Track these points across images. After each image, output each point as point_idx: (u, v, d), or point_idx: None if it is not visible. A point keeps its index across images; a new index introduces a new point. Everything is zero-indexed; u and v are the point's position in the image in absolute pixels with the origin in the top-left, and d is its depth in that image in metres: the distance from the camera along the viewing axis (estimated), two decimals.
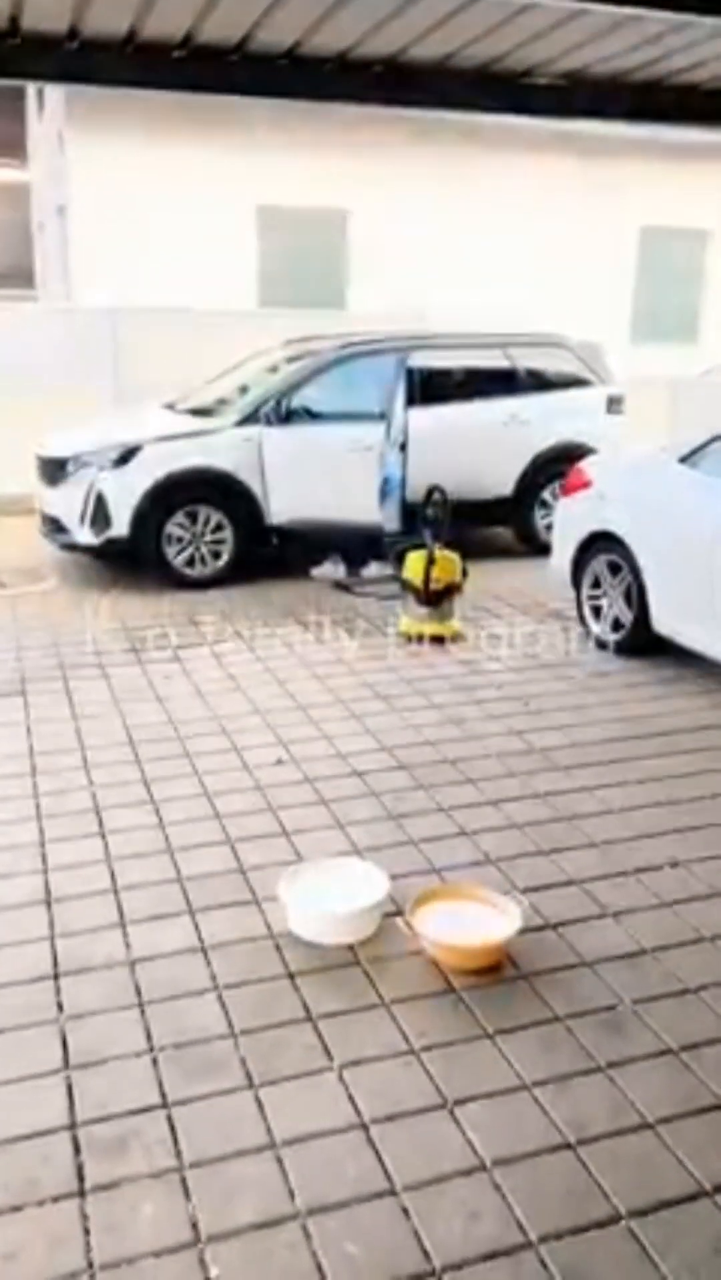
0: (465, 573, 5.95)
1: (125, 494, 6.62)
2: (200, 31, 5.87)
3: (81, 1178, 2.14)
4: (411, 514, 7.06)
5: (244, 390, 7.39)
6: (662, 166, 13.50)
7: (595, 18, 5.58)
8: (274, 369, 7.47)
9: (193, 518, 6.77)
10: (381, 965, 2.83)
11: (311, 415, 6.96)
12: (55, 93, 12.85)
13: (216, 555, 6.86)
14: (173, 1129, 2.26)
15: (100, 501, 6.66)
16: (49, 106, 14.07)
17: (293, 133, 11.83)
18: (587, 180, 13.40)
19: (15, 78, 6.34)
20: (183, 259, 12.11)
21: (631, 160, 13.25)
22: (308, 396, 6.99)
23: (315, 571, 7.03)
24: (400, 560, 6.03)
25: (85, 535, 6.79)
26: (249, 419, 6.86)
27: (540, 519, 7.76)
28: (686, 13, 5.13)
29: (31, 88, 15.24)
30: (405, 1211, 2.07)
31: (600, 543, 5.59)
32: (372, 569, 7.00)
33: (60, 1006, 2.66)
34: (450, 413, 7.51)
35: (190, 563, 6.82)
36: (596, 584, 5.68)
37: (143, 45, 6.01)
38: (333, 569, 7.04)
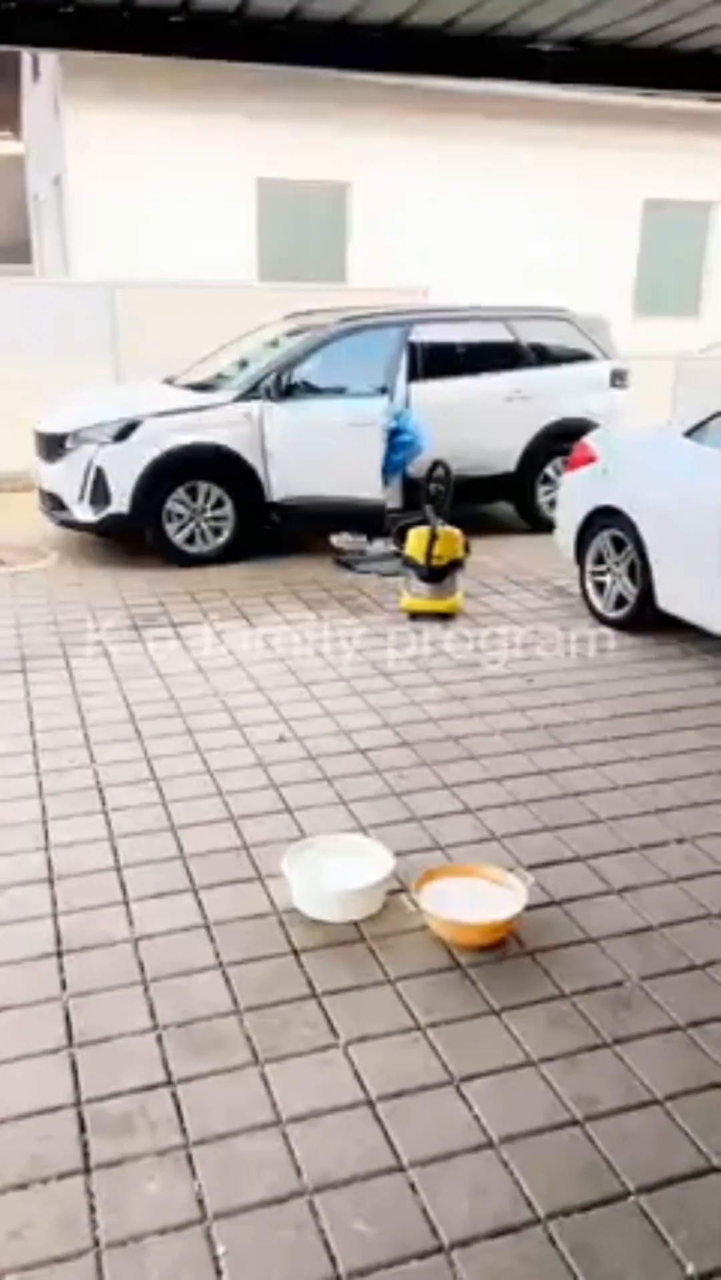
0: (467, 549, 5.89)
1: (125, 470, 6.56)
2: None
3: (87, 1155, 2.13)
4: (414, 490, 7.02)
5: (244, 365, 7.31)
6: (667, 137, 13.33)
7: None
8: (274, 343, 7.39)
9: (193, 494, 6.71)
10: (387, 942, 2.82)
11: (312, 390, 6.89)
12: (51, 59, 12.67)
13: (217, 532, 6.81)
14: (178, 1106, 2.25)
15: (100, 478, 6.60)
16: (44, 74, 13.88)
17: (292, 104, 11.67)
18: (591, 152, 13.23)
19: (10, 43, 6.20)
20: (181, 231, 11.99)
21: (635, 131, 13.09)
22: (308, 371, 6.92)
23: (336, 539, 6.96)
24: (402, 536, 5.98)
25: (84, 512, 6.73)
26: (249, 394, 6.79)
27: (543, 495, 7.71)
28: None
29: (26, 55, 15.03)
30: (412, 1188, 2.06)
31: (604, 518, 5.54)
32: (376, 546, 6.95)
33: (63, 984, 2.65)
34: (452, 387, 7.44)
35: (190, 540, 6.77)
36: (600, 560, 5.64)
37: (140, 10, 5.88)
38: (353, 537, 6.97)
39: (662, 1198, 2.04)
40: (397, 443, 6.98)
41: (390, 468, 6.98)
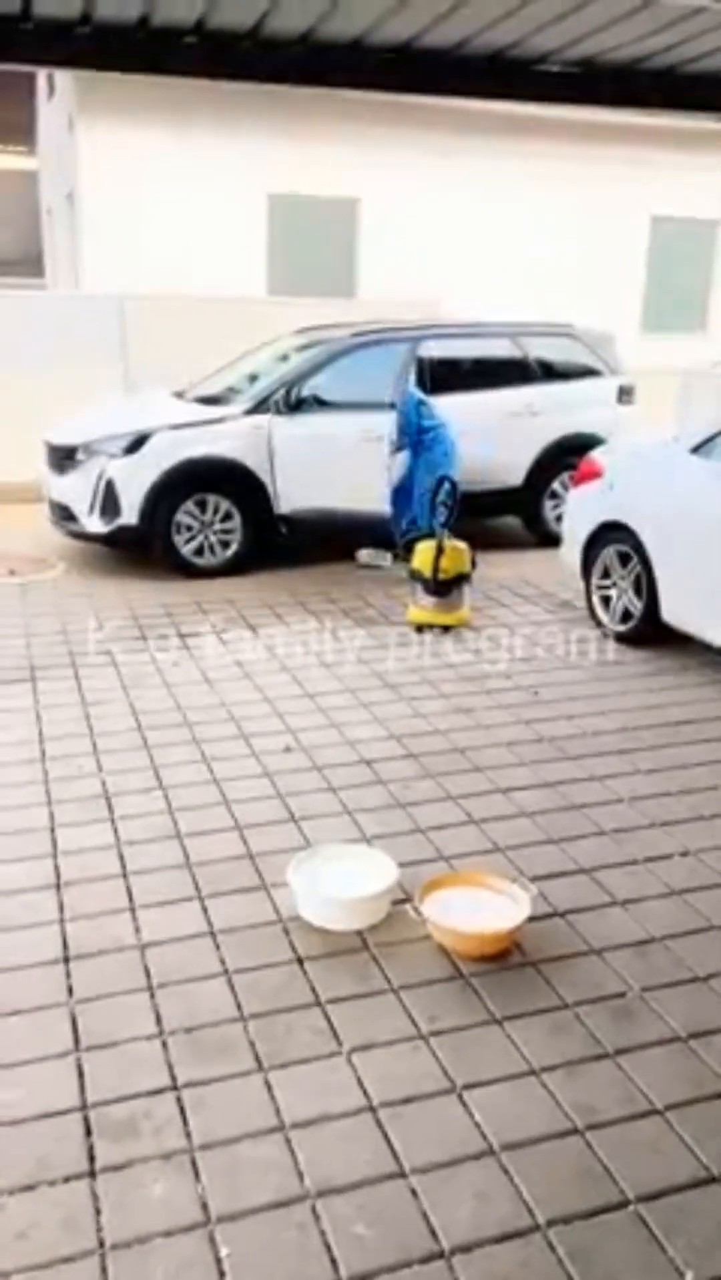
0: (474, 563, 5.94)
1: (135, 482, 6.62)
2: (212, 17, 5.84)
3: (92, 1158, 2.15)
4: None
5: (254, 378, 7.37)
6: (674, 155, 13.41)
7: (609, 4, 5.54)
8: (284, 357, 7.45)
9: (202, 506, 6.76)
10: (390, 951, 2.84)
11: (321, 404, 6.94)
12: (65, 76, 12.81)
13: (225, 544, 6.86)
14: (183, 1111, 2.28)
15: (110, 489, 6.66)
16: (59, 90, 14.03)
17: (303, 120, 11.78)
18: (599, 169, 13.32)
19: (27, 63, 6.34)
20: (192, 246, 12.09)
21: (643, 149, 13.17)
22: (318, 385, 6.97)
23: (363, 554, 7.00)
24: (409, 550, 6.02)
25: (94, 523, 6.79)
26: (259, 407, 6.85)
27: (550, 509, 7.74)
28: None
29: (41, 72, 15.20)
30: (414, 1193, 2.08)
31: (610, 533, 5.58)
32: (364, 555, 7.00)
33: (70, 990, 2.68)
34: (460, 402, 7.47)
35: (199, 551, 6.82)
36: (606, 574, 5.67)
37: (155, 30, 5.99)
38: (378, 551, 6.99)
39: (662, 1206, 2.05)
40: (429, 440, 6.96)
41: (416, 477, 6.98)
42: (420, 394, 7.04)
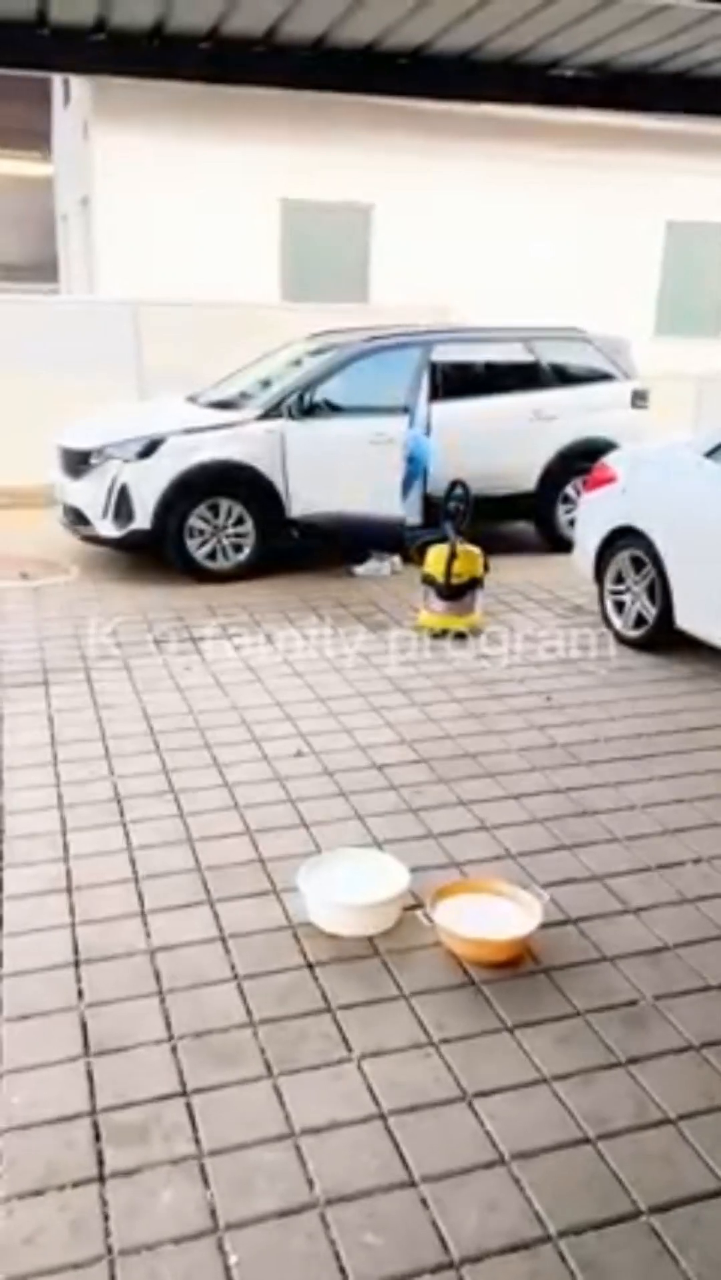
0: (487, 567, 5.92)
1: (148, 486, 6.62)
2: (226, 23, 5.87)
3: (101, 1163, 2.15)
4: (433, 508, 7.06)
5: (266, 383, 7.38)
6: (689, 160, 13.39)
7: (624, 8, 5.54)
8: (297, 362, 7.46)
9: (215, 510, 6.77)
10: (401, 957, 2.83)
11: (334, 409, 6.95)
12: (81, 83, 12.90)
13: (238, 548, 6.86)
14: (192, 1117, 2.27)
15: (123, 494, 6.67)
16: (75, 97, 14.12)
17: (316, 127, 11.82)
18: (614, 174, 13.30)
19: (43, 69, 6.39)
20: (206, 251, 12.14)
21: (658, 153, 13.14)
22: (330, 390, 6.97)
23: (359, 569, 7.03)
24: (422, 553, 6.02)
25: (107, 527, 6.80)
26: (272, 412, 6.85)
27: (563, 514, 7.72)
28: (716, 2, 5.08)
29: (57, 79, 15.31)
30: (424, 1202, 2.06)
31: (623, 538, 5.56)
32: (370, 565, 7.00)
33: (81, 994, 2.68)
34: (473, 407, 7.47)
35: (212, 555, 6.82)
36: (619, 579, 5.64)
37: (169, 36, 6.01)
38: (377, 565, 7.03)
39: (675, 1217, 2.03)
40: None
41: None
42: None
